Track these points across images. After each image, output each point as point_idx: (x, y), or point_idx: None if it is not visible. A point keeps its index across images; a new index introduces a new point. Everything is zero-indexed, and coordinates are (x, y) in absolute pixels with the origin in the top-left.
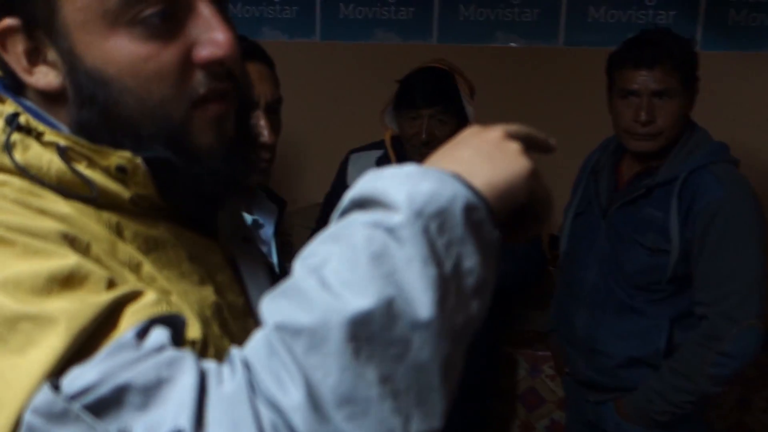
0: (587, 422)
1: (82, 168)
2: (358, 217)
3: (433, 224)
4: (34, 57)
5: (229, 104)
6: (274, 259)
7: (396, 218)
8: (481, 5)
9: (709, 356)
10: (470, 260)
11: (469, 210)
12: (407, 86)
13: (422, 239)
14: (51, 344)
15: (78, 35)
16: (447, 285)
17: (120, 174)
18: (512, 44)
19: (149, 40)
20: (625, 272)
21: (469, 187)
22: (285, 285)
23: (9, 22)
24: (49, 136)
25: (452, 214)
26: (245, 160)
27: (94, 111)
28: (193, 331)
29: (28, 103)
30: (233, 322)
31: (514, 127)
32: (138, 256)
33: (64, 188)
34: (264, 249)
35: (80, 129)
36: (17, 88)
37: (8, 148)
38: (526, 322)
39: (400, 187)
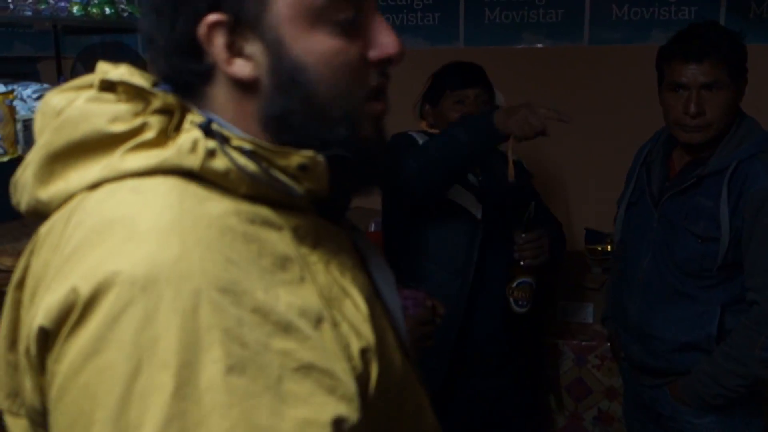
0: (643, 406)
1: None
2: None
3: None
4: (232, 50)
5: (386, 104)
6: None
7: None
8: (506, 8)
9: (760, 341)
10: None
11: None
12: (446, 73)
13: None
14: None
15: (285, 28)
16: None
17: (299, 172)
18: (539, 45)
19: (341, 37)
20: (676, 259)
21: None
22: None
23: (218, 17)
24: (236, 141)
25: None
26: (387, 155)
27: (292, 96)
28: (365, 336)
29: (207, 112)
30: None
31: None
32: (323, 256)
33: (253, 194)
34: None
35: (270, 119)
36: (191, 90)
37: (211, 155)
38: (570, 314)
39: None
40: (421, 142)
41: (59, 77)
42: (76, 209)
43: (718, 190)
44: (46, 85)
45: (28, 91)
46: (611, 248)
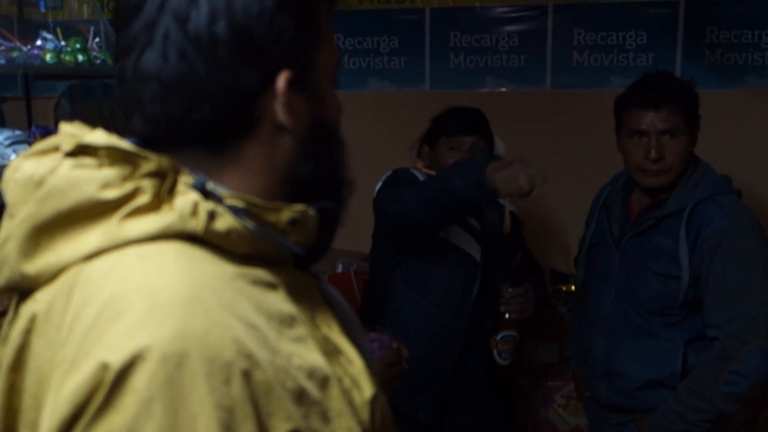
0: None
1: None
2: None
3: None
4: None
5: None
6: None
7: None
8: (471, 53)
9: (722, 376)
10: None
11: None
12: (445, 117)
13: None
14: None
15: (323, 87)
16: None
17: (289, 226)
18: (502, 89)
19: (337, 97)
20: (639, 298)
21: None
22: None
23: (290, 73)
24: (229, 200)
25: None
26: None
27: (324, 150)
28: (368, 387)
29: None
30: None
31: None
32: (308, 311)
33: (249, 254)
34: None
35: (298, 172)
36: (214, 141)
37: (212, 217)
38: (535, 354)
39: None
40: (422, 179)
41: (30, 120)
42: (77, 283)
43: (677, 230)
44: (18, 132)
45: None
46: (575, 288)
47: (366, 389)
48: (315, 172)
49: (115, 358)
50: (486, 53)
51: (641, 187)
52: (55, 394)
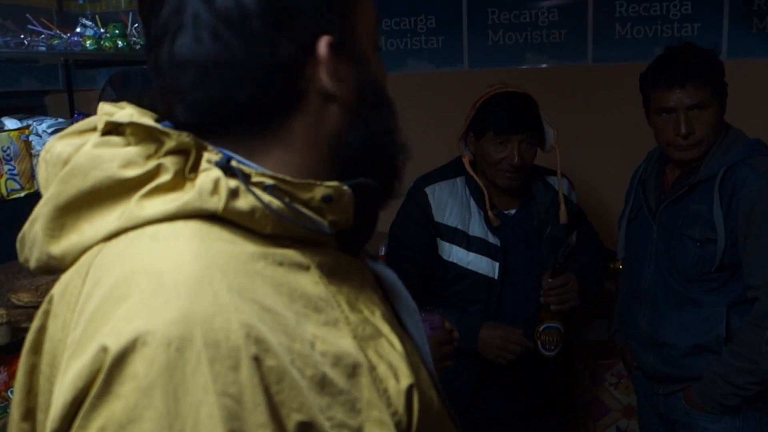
0: (658, 415)
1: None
2: None
3: None
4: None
5: None
6: None
7: None
8: (510, 29)
9: (765, 335)
10: None
11: None
12: (493, 110)
13: None
14: None
15: (366, 48)
16: None
17: (323, 204)
18: (542, 65)
19: (381, 60)
20: (678, 266)
21: None
22: None
23: (330, 38)
24: (257, 176)
25: None
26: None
27: (374, 118)
28: (406, 376)
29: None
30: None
31: None
32: (350, 294)
33: (278, 233)
34: None
35: (348, 143)
36: (260, 122)
37: (234, 195)
38: (585, 333)
39: None
40: (434, 205)
41: (72, 110)
42: (93, 263)
43: (711, 194)
44: (60, 120)
45: (43, 125)
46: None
47: (403, 378)
48: (366, 141)
49: (115, 342)
50: (525, 29)
51: (674, 161)
52: (62, 378)
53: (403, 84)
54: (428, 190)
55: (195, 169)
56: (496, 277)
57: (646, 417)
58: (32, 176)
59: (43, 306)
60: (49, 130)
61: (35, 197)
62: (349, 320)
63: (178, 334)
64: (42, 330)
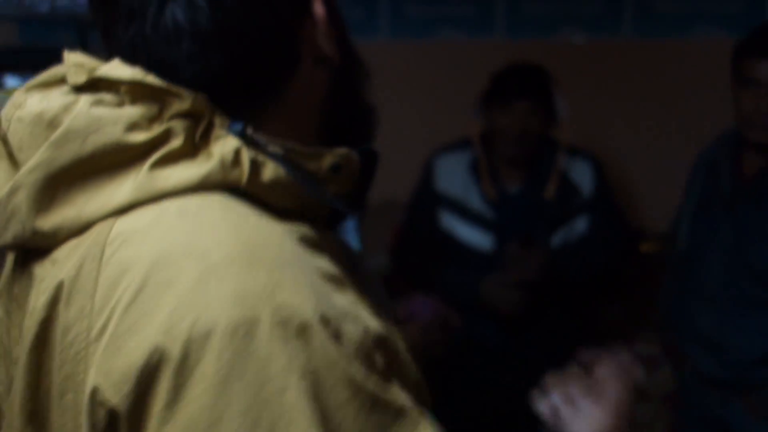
0: (706, 419)
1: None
2: None
3: None
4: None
5: None
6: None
7: None
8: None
9: None
10: None
11: None
12: (500, 80)
13: None
14: None
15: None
16: None
17: (330, 174)
18: (577, 38)
19: None
20: (753, 268)
21: None
22: None
23: None
24: (270, 146)
25: None
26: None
27: (357, 78)
28: (413, 369)
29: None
30: None
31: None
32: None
33: (290, 208)
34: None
35: (338, 104)
36: (255, 90)
37: (255, 166)
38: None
39: None
40: (438, 174)
41: None
42: (110, 243)
43: None
44: None
45: None
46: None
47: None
48: (349, 104)
49: (173, 343)
50: (560, 0)
51: (752, 143)
52: (104, 377)
53: (434, 53)
54: (436, 158)
55: (206, 135)
56: (489, 252)
57: (690, 420)
58: None
59: (49, 294)
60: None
61: None
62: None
63: (242, 318)
64: (49, 321)
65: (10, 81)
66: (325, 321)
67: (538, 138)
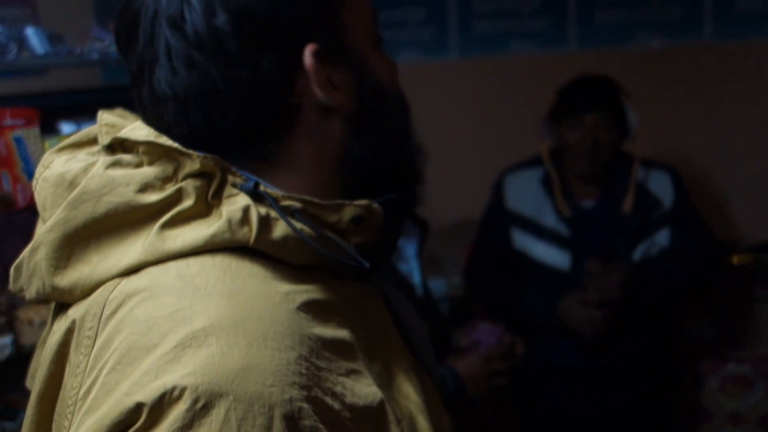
0: None
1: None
2: None
3: None
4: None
5: None
6: (417, 278)
7: None
8: (619, 7)
9: None
10: None
11: None
12: (566, 93)
13: None
14: None
15: (362, 49)
16: None
17: (351, 225)
18: (655, 44)
19: (386, 55)
20: None
21: None
22: None
23: (316, 46)
24: (285, 200)
25: None
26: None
27: (379, 123)
28: (425, 429)
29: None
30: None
31: None
32: (369, 333)
33: (306, 263)
34: (404, 267)
35: (353, 155)
36: (256, 143)
37: (265, 223)
38: (685, 331)
39: None
40: (509, 192)
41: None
42: (112, 303)
43: None
44: None
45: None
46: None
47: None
48: (374, 150)
49: (145, 398)
50: (636, 6)
51: None
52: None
53: (505, 68)
54: (507, 177)
55: (218, 194)
56: (567, 270)
57: None
58: None
59: (67, 321)
60: None
61: None
62: (371, 368)
63: (206, 390)
64: (66, 345)
65: (66, 127)
66: (296, 406)
67: (611, 151)
